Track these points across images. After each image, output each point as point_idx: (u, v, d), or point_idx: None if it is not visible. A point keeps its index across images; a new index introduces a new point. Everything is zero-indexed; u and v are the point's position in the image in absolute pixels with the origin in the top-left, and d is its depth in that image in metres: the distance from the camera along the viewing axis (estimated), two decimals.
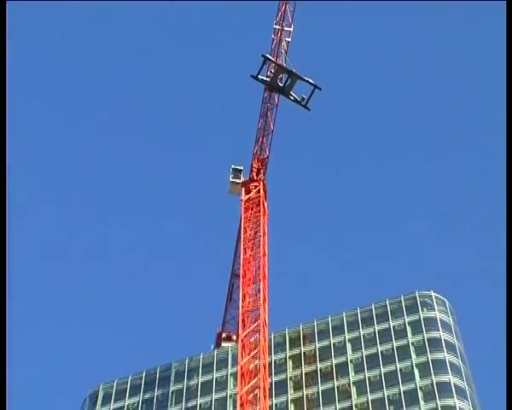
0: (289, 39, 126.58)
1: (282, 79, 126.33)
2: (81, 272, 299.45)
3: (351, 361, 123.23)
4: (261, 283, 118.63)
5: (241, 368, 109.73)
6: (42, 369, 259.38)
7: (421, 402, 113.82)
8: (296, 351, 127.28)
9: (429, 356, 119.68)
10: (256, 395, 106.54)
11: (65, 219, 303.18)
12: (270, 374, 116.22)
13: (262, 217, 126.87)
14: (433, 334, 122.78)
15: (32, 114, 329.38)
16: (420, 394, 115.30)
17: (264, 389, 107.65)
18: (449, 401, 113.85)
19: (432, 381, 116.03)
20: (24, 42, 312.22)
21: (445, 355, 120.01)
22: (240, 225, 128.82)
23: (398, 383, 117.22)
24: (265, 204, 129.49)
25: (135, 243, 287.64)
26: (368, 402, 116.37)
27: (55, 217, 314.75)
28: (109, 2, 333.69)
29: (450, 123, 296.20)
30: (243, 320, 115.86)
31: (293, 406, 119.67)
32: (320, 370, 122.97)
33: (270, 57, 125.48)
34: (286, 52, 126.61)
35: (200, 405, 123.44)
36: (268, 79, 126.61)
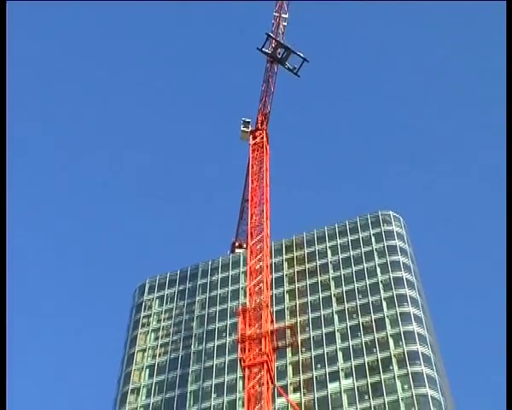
0: (285, 23, 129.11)
1: (279, 52, 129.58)
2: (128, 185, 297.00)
3: (330, 262, 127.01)
4: (264, 205, 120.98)
5: (250, 268, 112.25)
6: (107, 269, 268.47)
7: (382, 292, 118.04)
8: (290, 255, 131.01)
9: (388, 258, 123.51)
10: (260, 287, 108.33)
11: None
12: (271, 272, 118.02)
13: (265, 156, 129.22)
14: (391, 242, 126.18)
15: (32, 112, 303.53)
16: (380, 285, 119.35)
17: (267, 283, 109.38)
18: (401, 291, 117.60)
19: (389, 277, 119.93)
20: (24, 42, 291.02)
21: (399, 258, 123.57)
22: (248, 163, 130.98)
23: (365, 278, 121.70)
24: (267, 147, 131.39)
25: (175, 178, 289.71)
26: (343, 292, 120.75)
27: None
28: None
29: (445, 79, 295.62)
30: (251, 233, 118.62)
31: (287, 295, 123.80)
32: (308, 269, 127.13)
33: (271, 35, 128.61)
34: (283, 33, 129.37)
35: (219, 294, 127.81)
36: (270, 52, 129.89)
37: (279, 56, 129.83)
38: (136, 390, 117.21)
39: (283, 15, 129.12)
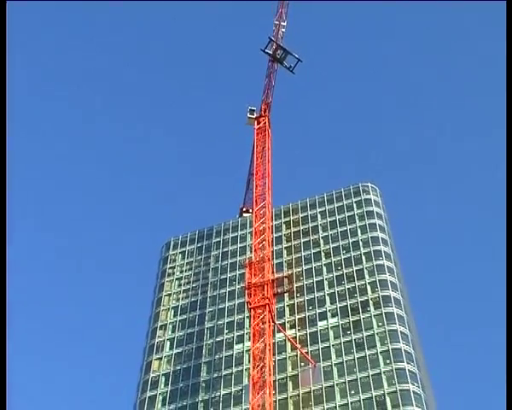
0: (284, 30, 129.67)
1: (279, 53, 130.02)
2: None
3: (320, 225, 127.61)
4: (266, 178, 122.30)
5: (255, 229, 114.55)
6: (140, 230, 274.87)
7: (362, 248, 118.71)
8: (287, 219, 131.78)
9: (366, 221, 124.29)
10: (263, 244, 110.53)
11: None
12: (272, 232, 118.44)
13: (267, 138, 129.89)
14: (369, 208, 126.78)
15: (31, 112, 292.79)
16: (361, 243, 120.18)
17: (268, 241, 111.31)
18: (377, 248, 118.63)
19: (368, 236, 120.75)
20: (24, 42, 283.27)
21: (376, 221, 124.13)
22: (253, 144, 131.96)
23: (348, 237, 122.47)
24: (269, 130, 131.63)
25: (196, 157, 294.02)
26: (330, 248, 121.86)
27: None
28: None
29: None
30: (256, 200, 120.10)
31: (285, 251, 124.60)
32: (302, 230, 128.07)
33: (272, 39, 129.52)
34: (282, 37, 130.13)
35: (230, 250, 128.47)
36: (271, 53, 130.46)
37: (278, 57, 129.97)
38: (164, 327, 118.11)
39: (282, 23, 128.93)
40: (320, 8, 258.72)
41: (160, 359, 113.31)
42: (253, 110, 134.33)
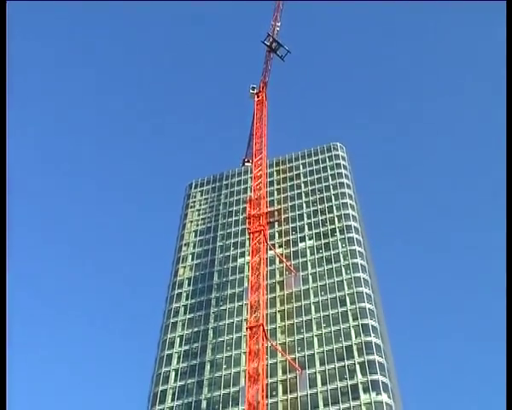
0: (278, 28, 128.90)
1: (274, 45, 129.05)
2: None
3: (301, 173, 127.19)
4: (263, 137, 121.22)
5: (254, 175, 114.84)
6: (171, 173, 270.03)
7: (331, 190, 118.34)
8: (278, 168, 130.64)
9: (336, 171, 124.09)
10: (260, 186, 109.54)
11: None
12: (266, 177, 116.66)
13: (264, 108, 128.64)
14: (338, 161, 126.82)
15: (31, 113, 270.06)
16: (331, 187, 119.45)
17: (264, 183, 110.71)
18: (343, 190, 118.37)
19: (336, 182, 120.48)
20: (24, 42, 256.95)
21: (343, 171, 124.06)
22: (254, 112, 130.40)
23: (322, 182, 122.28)
24: (265, 102, 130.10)
25: (211, 121, 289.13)
26: (309, 190, 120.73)
27: None
28: None
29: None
30: (255, 154, 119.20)
31: (276, 192, 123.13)
32: (288, 176, 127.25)
33: (270, 34, 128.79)
34: (277, 33, 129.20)
35: (235, 190, 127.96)
36: (268, 44, 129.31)
37: (273, 47, 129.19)
38: (187, 244, 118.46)
39: (277, 23, 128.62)
40: (307, 9, 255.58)
41: (185, 267, 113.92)
42: (254, 87, 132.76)
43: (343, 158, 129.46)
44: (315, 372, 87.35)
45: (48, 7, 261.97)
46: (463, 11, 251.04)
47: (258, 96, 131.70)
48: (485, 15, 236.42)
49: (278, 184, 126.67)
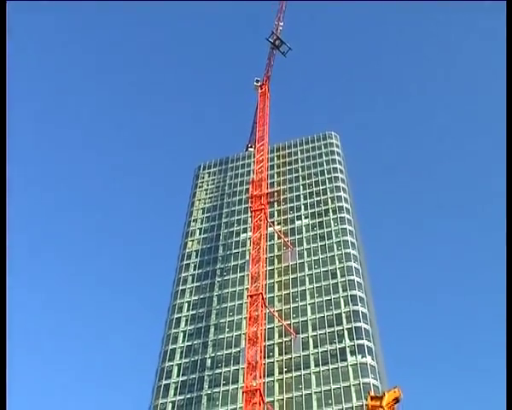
0: (281, 28, 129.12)
1: (277, 42, 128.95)
2: None
3: (299, 158, 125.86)
4: (265, 126, 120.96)
5: (256, 159, 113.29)
6: (183, 156, 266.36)
7: (326, 174, 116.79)
8: (278, 153, 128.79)
9: (330, 157, 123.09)
10: (262, 170, 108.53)
11: None
12: (268, 162, 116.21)
13: (266, 99, 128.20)
14: (332, 149, 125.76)
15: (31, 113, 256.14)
16: (325, 171, 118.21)
17: (265, 167, 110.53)
18: (335, 175, 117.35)
19: (330, 167, 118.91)
20: (24, 42, 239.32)
21: (336, 157, 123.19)
22: (257, 102, 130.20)
23: (317, 167, 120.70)
24: (268, 94, 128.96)
25: (221, 110, 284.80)
26: (305, 173, 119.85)
27: None
28: None
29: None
30: (257, 140, 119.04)
31: (276, 175, 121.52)
32: (287, 161, 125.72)
33: (274, 32, 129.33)
34: (280, 31, 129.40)
35: (240, 173, 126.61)
36: (272, 41, 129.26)
37: (276, 44, 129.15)
38: (195, 220, 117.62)
39: (280, 23, 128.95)
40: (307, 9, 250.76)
41: (193, 241, 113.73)
42: (258, 80, 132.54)
43: (337, 146, 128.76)
44: (308, 337, 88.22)
45: (48, 7, 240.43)
46: (463, 11, 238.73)
47: (261, 89, 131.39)
48: (485, 15, 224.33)
49: (278, 168, 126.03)
